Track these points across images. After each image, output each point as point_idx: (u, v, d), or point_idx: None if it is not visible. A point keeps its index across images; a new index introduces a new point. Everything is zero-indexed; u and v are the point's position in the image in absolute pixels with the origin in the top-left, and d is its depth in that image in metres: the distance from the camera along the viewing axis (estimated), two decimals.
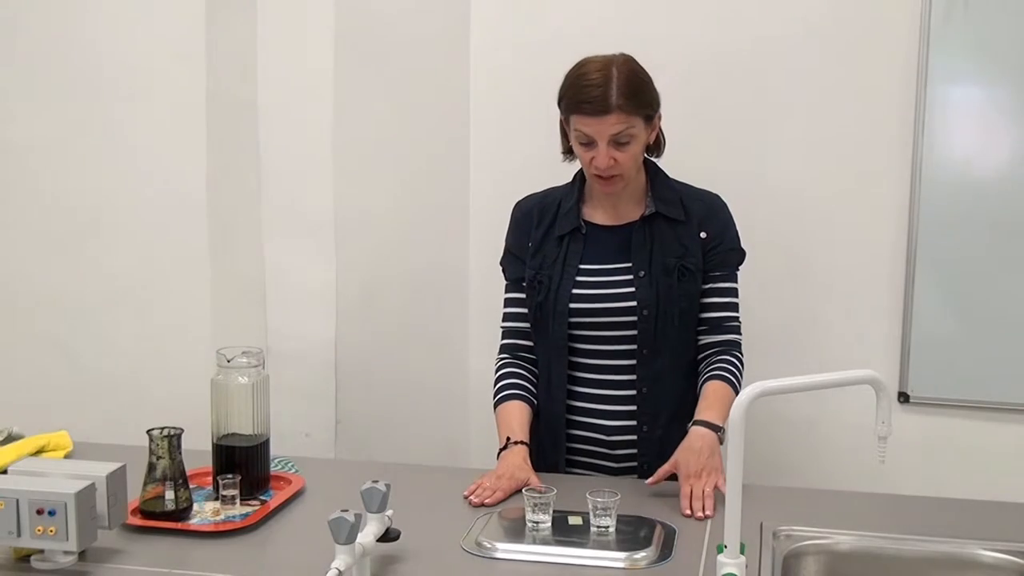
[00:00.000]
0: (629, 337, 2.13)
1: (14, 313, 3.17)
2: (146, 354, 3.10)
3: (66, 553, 1.67)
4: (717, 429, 2.04)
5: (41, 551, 1.68)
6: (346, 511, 1.54)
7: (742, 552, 1.52)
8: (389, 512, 1.70)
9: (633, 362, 2.14)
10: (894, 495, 2.12)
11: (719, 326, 2.18)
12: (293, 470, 2.14)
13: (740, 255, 2.22)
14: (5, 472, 1.76)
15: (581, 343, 2.16)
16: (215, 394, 1.97)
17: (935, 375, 2.71)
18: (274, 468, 2.08)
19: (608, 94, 1.99)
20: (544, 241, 2.18)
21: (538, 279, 2.17)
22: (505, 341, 2.28)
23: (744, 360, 2.19)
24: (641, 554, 1.74)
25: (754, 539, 1.78)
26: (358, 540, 1.56)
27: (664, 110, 2.12)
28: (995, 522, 1.91)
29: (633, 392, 2.15)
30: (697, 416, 2.08)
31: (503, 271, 2.28)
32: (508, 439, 2.13)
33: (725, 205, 2.21)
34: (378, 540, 1.66)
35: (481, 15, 2.83)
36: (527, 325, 2.23)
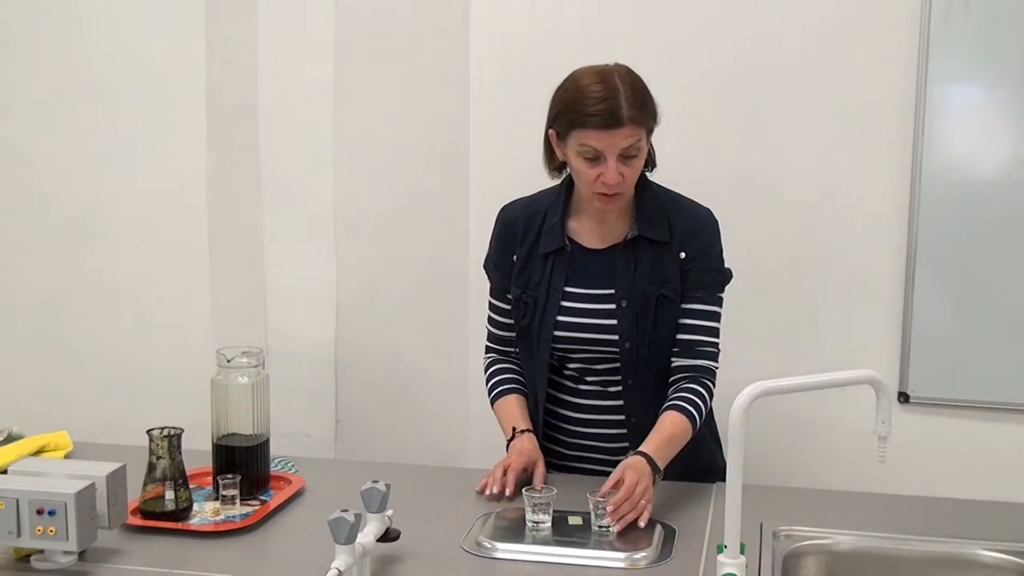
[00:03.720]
0: (613, 369, 2.08)
1: (14, 313, 3.18)
2: (146, 354, 3.11)
3: (66, 553, 1.67)
4: (656, 469, 1.92)
5: (41, 551, 1.68)
6: (346, 511, 1.54)
7: (742, 552, 1.52)
8: (389, 512, 1.70)
9: (620, 389, 2.09)
10: (894, 495, 2.12)
11: (691, 350, 2.07)
12: (293, 470, 2.14)
13: (721, 276, 2.11)
14: (5, 472, 1.76)
15: (569, 366, 2.12)
16: (215, 394, 1.97)
17: (935, 375, 2.71)
18: (274, 468, 2.08)
19: (618, 106, 1.90)
20: (529, 258, 2.11)
21: (524, 300, 2.10)
22: (491, 343, 2.25)
23: (714, 388, 2.07)
24: (641, 554, 1.74)
25: (754, 539, 1.78)
26: (358, 540, 1.56)
27: (662, 113, 2.02)
28: (995, 522, 1.91)
29: (622, 417, 2.10)
30: (642, 446, 1.95)
31: (487, 275, 2.22)
32: (515, 429, 2.10)
33: (714, 223, 2.09)
34: (378, 540, 1.66)
35: (481, 15, 2.83)
36: (512, 334, 2.20)
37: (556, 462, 2.16)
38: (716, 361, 2.09)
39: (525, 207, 2.16)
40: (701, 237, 2.08)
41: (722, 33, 2.70)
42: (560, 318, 2.07)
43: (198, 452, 2.00)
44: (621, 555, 1.74)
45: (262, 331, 2.99)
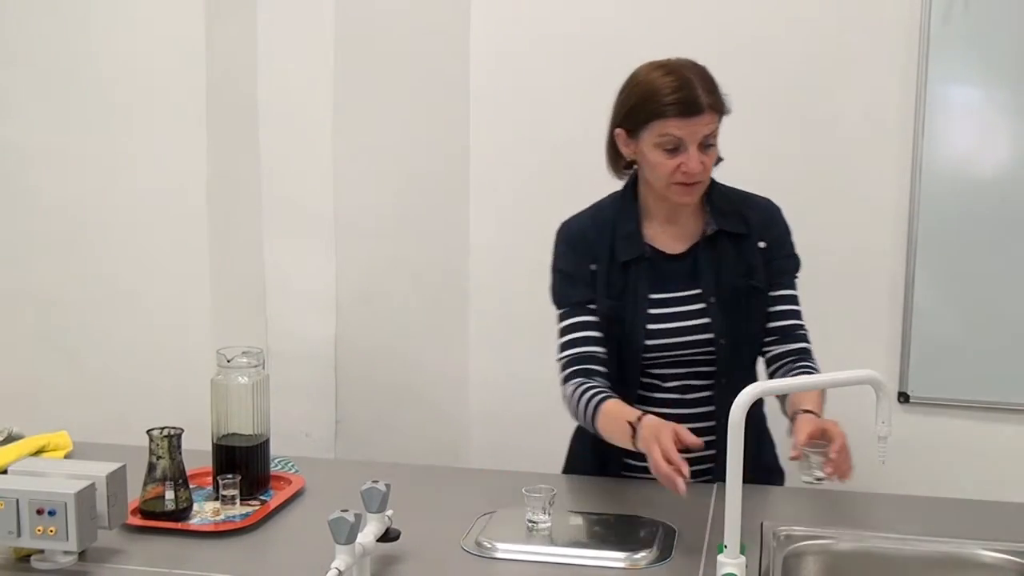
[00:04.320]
0: (707, 373, 2.04)
1: (14, 313, 3.18)
2: (146, 354, 3.11)
3: (66, 553, 1.67)
4: None
5: (41, 551, 1.68)
6: (346, 511, 1.54)
7: (742, 552, 1.52)
8: (389, 512, 1.70)
9: (710, 394, 2.04)
10: (894, 495, 2.12)
11: (790, 335, 2.06)
12: (293, 470, 2.14)
13: (797, 261, 2.12)
14: (5, 472, 1.76)
15: (656, 371, 2.04)
16: (215, 394, 1.97)
17: (935, 375, 2.71)
18: (274, 468, 2.08)
19: (697, 94, 1.90)
20: (609, 270, 2.03)
21: (610, 314, 2.02)
22: (575, 368, 2.03)
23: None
24: (641, 554, 1.74)
25: (754, 539, 1.78)
26: (358, 540, 1.56)
27: None
28: (995, 522, 1.91)
29: (710, 424, 2.03)
30: (807, 407, 1.90)
31: (556, 299, 2.08)
32: (629, 421, 1.90)
33: (780, 211, 2.11)
34: (378, 540, 1.66)
35: (481, 16, 2.83)
36: (599, 349, 2.04)
37: (630, 475, 2.08)
38: (810, 342, 2.09)
39: (590, 218, 2.09)
40: (777, 225, 2.10)
41: (722, 33, 2.70)
42: (650, 326, 2.02)
43: (198, 452, 2.00)
44: (621, 555, 1.74)
45: (262, 331, 2.99)
